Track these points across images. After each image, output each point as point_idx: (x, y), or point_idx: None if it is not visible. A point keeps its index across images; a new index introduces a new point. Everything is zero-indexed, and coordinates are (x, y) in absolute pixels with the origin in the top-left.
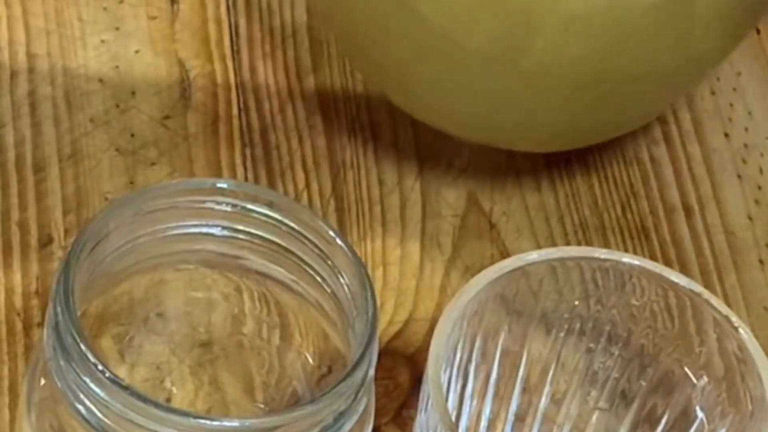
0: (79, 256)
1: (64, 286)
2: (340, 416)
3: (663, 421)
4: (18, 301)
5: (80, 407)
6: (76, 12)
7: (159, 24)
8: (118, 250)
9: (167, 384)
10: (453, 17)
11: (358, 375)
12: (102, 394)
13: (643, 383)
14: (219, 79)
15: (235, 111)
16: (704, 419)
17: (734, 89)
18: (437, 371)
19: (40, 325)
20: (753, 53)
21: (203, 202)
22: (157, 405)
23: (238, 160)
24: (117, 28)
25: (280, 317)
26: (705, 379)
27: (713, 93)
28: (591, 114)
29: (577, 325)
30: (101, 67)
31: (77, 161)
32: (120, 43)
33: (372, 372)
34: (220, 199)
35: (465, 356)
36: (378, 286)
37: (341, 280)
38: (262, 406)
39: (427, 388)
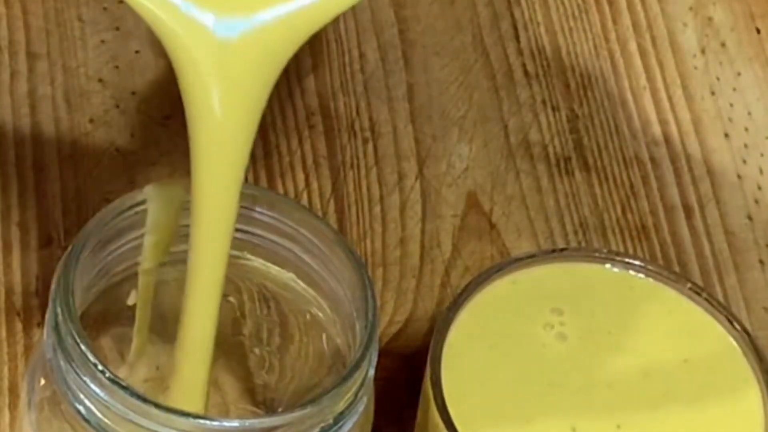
0: (79, 256)
1: (64, 286)
2: (340, 416)
3: None
4: (18, 301)
5: (80, 407)
6: (76, 12)
7: None
8: (118, 250)
9: (167, 384)
10: None
11: (358, 375)
12: (102, 394)
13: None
14: None
15: None
16: None
17: (734, 89)
18: (437, 371)
19: (40, 325)
20: (753, 53)
21: None
22: (157, 405)
23: None
24: (117, 28)
25: (280, 317)
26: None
27: (713, 93)
28: None
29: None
30: (101, 67)
31: (77, 161)
32: (120, 43)
33: (372, 372)
34: None
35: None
36: (378, 286)
37: (341, 280)
38: (262, 406)
39: (427, 388)
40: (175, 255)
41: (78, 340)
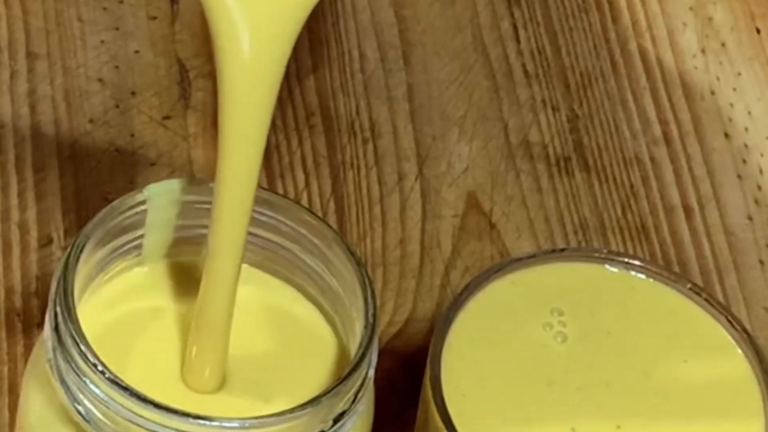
0: (79, 256)
1: (64, 286)
2: (340, 416)
3: None
4: (18, 302)
5: (80, 407)
6: (76, 12)
7: (159, 24)
8: (118, 250)
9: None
10: None
11: (358, 375)
12: (102, 394)
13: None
14: None
15: None
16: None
17: (734, 89)
18: (437, 371)
19: (40, 325)
20: (753, 53)
21: (203, 202)
22: (157, 405)
23: None
24: (117, 28)
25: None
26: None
27: (713, 93)
28: None
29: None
30: (101, 67)
31: (77, 161)
32: (120, 43)
33: (372, 372)
34: None
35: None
36: (378, 286)
37: (341, 280)
38: None
39: (427, 388)
40: (175, 255)
41: (78, 340)
